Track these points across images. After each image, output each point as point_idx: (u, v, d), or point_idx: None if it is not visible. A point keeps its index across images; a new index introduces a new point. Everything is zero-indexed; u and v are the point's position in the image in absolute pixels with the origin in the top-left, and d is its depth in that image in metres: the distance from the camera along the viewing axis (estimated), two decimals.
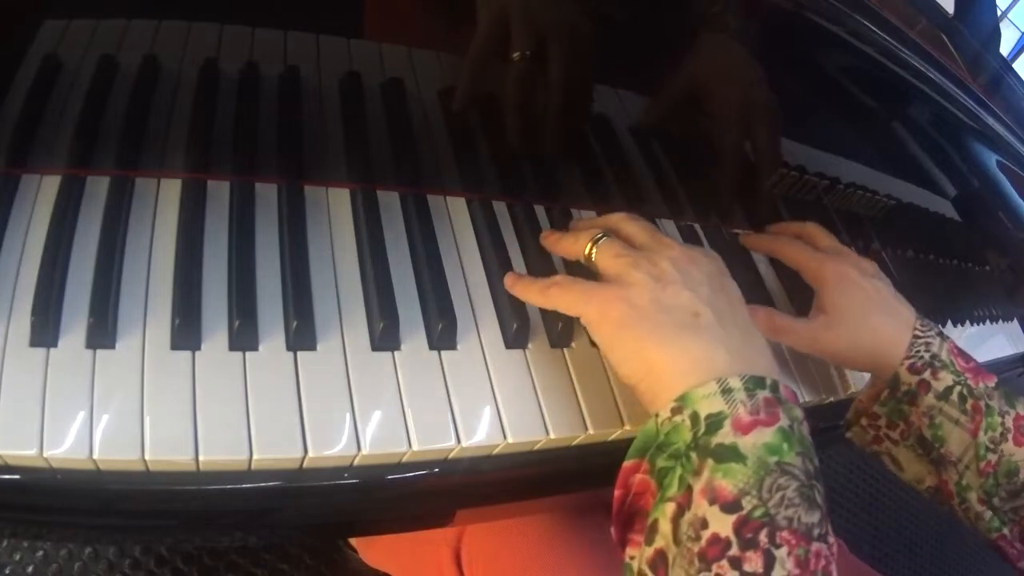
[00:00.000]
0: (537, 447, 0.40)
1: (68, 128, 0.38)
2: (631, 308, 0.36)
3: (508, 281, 0.43)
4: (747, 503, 0.30)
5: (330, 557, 0.79)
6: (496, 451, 0.39)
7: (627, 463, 0.35)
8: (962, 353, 0.48)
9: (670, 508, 0.31)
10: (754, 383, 0.33)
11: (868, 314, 0.48)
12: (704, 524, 0.30)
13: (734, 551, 0.29)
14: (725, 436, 0.31)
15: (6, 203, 0.36)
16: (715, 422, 0.32)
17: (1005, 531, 0.46)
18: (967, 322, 0.86)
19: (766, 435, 0.32)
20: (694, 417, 0.32)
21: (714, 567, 0.29)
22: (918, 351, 0.47)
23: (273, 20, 0.41)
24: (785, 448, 0.31)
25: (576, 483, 0.45)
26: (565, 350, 0.44)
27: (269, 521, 0.38)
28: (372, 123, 0.44)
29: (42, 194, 0.37)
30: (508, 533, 0.53)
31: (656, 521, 0.32)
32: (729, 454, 0.31)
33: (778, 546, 0.29)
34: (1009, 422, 0.46)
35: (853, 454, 1.39)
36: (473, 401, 0.39)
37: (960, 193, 0.79)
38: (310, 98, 0.42)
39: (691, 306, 0.36)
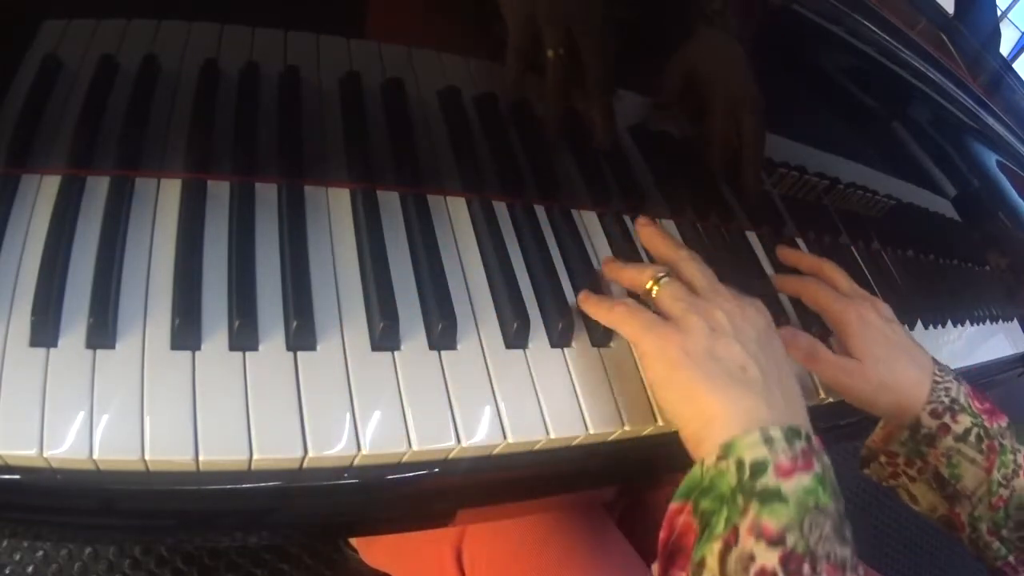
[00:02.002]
0: (537, 447, 0.40)
1: (68, 128, 0.38)
2: (685, 353, 0.38)
3: (581, 298, 0.45)
4: (790, 538, 0.32)
5: (330, 557, 0.79)
6: (496, 451, 0.39)
7: (673, 505, 0.37)
8: (977, 394, 0.50)
9: (717, 546, 0.34)
10: (792, 434, 0.36)
11: (894, 360, 0.50)
12: (751, 558, 0.32)
13: None
14: (769, 480, 0.34)
15: (6, 203, 0.36)
16: (759, 468, 0.34)
17: (1011, 558, 0.48)
18: (967, 322, 0.86)
19: (805, 480, 0.34)
20: (739, 463, 0.35)
21: None
22: (938, 396, 0.49)
23: (273, 20, 0.41)
24: (820, 492, 0.34)
25: (577, 483, 0.45)
26: (565, 350, 0.44)
27: (269, 521, 0.38)
28: (372, 123, 0.44)
29: (42, 194, 0.37)
30: (509, 533, 0.53)
31: (703, 559, 0.34)
32: (773, 496, 0.33)
33: (819, 575, 0.32)
34: (1020, 459, 0.48)
35: (853, 455, 1.39)
36: (473, 401, 0.39)
37: (960, 193, 0.79)
38: (310, 98, 0.42)
39: (740, 360, 0.39)
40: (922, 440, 0.49)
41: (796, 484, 0.34)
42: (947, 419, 0.48)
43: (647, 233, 0.49)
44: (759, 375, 0.38)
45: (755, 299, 0.44)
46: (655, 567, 0.38)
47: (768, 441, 0.35)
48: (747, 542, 0.33)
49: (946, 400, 0.49)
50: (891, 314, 0.53)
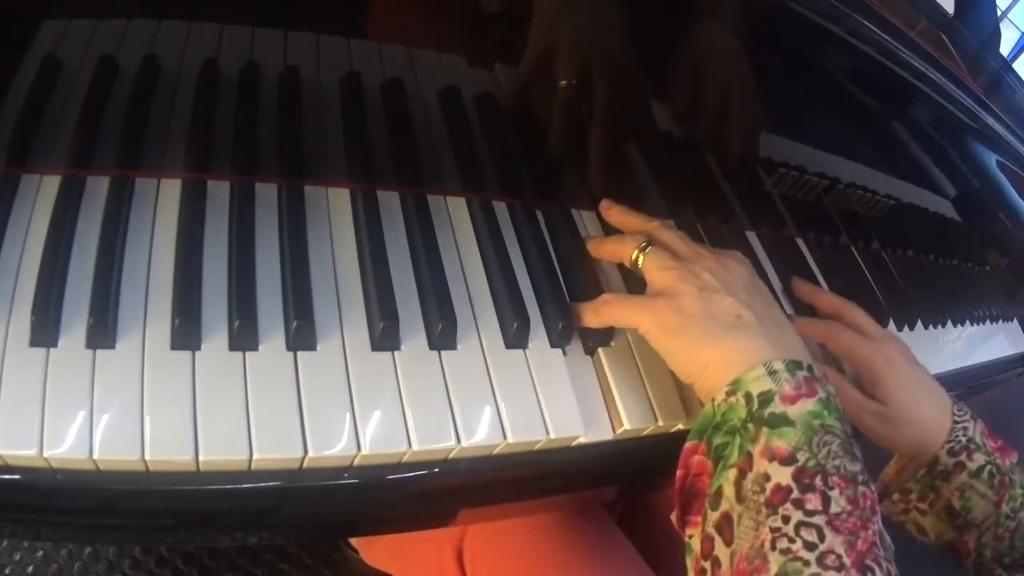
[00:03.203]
0: (537, 447, 0.40)
1: (68, 128, 0.38)
2: (683, 317, 0.40)
3: (576, 311, 0.45)
4: (801, 456, 0.35)
5: (330, 557, 0.79)
6: (496, 451, 0.39)
7: (688, 444, 0.39)
8: (991, 433, 0.52)
9: (732, 474, 0.36)
10: (794, 365, 0.38)
11: (917, 403, 0.51)
12: (767, 478, 0.35)
13: (796, 495, 0.34)
14: (776, 407, 0.36)
15: (6, 203, 0.36)
16: (766, 398, 0.37)
17: None
18: (967, 322, 0.86)
19: (809, 404, 0.36)
20: (747, 396, 0.37)
21: (780, 510, 0.34)
22: (956, 435, 0.51)
23: (273, 20, 0.41)
24: (826, 414, 0.36)
25: (576, 483, 0.45)
26: (565, 350, 0.44)
27: (269, 521, 0.38)
28: (372, 123, 0.44)
29: (42, 194, 0.37)
30: (510, 532, 0.53)
31: (720, 488, 0.36)
32: (781, 421, 0.36)
33: (831, 488, 0.34)
34: None
35: None
36: (473, 401, 0.39)
37: (960, 193, 0.79)
38: (310, 98, 0.42)
39: (733, 310, 0.41)
40: (938, 476, 0.51)
41: (801, 408, 0.36)
42: (963, 457, 0.50)
43: (614, 213, 0.50)
44: (754, 319, 0.41)
45: (734, 251, 0.46)
46: (674, 514, 0.40)
47: (772, 373, 0.37)
48: (761, 464, 0.35)
49: (963, 439, 0.50)
50: (911, 352, 0.55)
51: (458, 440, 0.37)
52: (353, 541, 0.74)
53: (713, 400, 0.38)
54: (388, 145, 0.45)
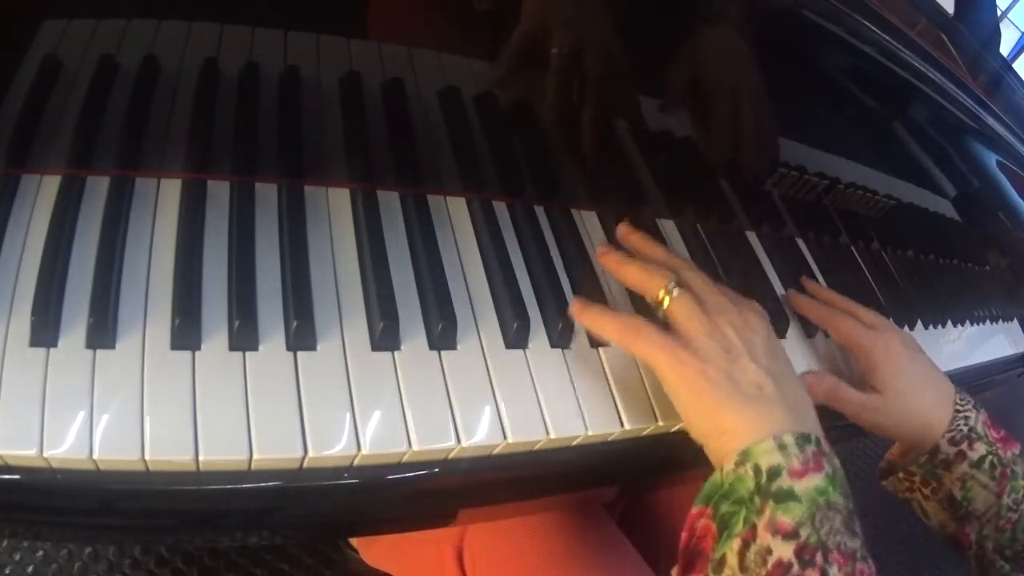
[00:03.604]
0: (537, 447, 0.40)
1: (68, 128, 0.38)
2: (707, 380, 0.40)
3: (575, 307, 0.44)
4: (804, 532, 0.35)
5: (330, 557, 0.79)
6: (496, 451, 0.39)
7: (694, 509, 0.39)
8: (994, 424, 0.52)
9: (736, 544, 0.36)
10: (803, 439, 0.38)
11: (916, 393, 0.52)
12: (769, 551, 0.35)
13: (796, 570, 0.34)
14: (783, 482, 0.37)
15: (6, 203, 0.36)
16: (774, 472, 0.37)
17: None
18: (967, 322, 0.86)
19: (816, 480, 0.37)
20: (756, 468, 0.37)
21: None
22: (958, 425, 0.51)
23: (273, 20, 0.41)
24: (831, 490, 0.37)
25: (576, 483, 0.45)
26: (565, 350, 0.44)
27: (269, 521, 0.38)
28: (372, 123, 0.44)
29: (42, 194, 0.37)
30: (510, 532, 0.53)
31: (723, 556, 0.36)
32: (787, 496, 0.36)
33: (831, 564, 0.35)
34: None
35: (850, 456, 1.39)
36: (473, 401, 0.39)
37: (960, 193, 0.79)
38: (310, 98, 0.42)
39: (756, 379, 0.41)
40: (939, 464, 0.52)
41: (808, 484, 0.37)
42: (964, 447, 0.51)
43: (635, 239, 0.50)
44: (775, 391, 0.40)
45: (751, 301, 0.45)
46: (675, 571, 0.40)
47: (782, 447, 0.37)
48: (764, 538, 0.35)
49: (964, 429, 0.51)
50: (915, 344, 0.55)
51: (458, 440, 0.37)
52: (353, 541, 0.74)
53: (722, 468, 0.39)
54: (388, 145, 0.45)
